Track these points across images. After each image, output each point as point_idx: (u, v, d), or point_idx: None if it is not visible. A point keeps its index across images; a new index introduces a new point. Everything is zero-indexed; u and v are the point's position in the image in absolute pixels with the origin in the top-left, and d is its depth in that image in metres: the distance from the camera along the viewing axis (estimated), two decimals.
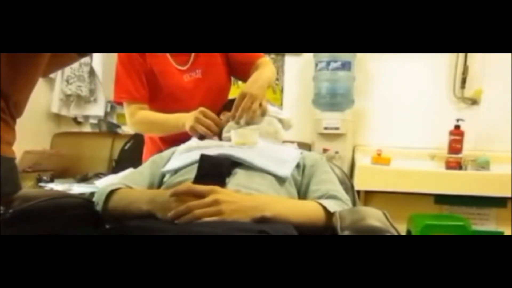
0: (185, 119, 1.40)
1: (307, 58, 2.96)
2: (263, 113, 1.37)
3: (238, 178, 1.04)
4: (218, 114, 1.41)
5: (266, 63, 1.60)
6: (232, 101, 1.42)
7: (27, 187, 2.51)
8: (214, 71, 1.59)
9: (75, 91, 3.17)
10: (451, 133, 2.76)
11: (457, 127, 2.76)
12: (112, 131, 3.32)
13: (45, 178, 2.74)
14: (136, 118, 1.54)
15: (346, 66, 2.78)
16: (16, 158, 1.18)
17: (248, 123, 1.33)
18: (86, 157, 3.12)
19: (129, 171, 1.45)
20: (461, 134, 2.74)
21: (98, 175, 2.82)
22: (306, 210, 1.00)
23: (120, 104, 1.62)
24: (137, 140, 3.01)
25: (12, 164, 1.15)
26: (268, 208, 0.93)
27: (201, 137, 1.35)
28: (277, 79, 3.02)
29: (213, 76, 1.59)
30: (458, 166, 2.69)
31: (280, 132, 1.38)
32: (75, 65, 3.17)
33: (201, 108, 1.38)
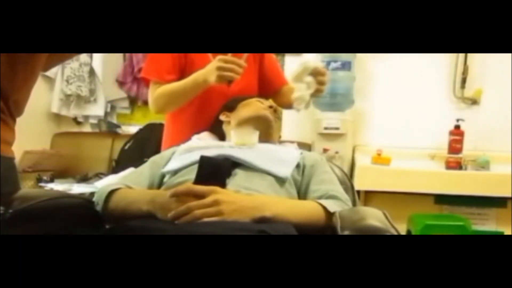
0: (204, 75, 1.37)
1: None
2: None
3: (238, 178, 1.04)
4: (218, 114, 1.41)
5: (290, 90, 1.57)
6: (233, 100, 1.42)
7: (27, 187, 2.51)
8: (246, 79, 1.55)
9: (75, 91, 3.17)
10: (451, 133, 2.76)
11: (457, 127, 2.76)
12: (112, 131, 3.32)
13: (45, 178, 2.74)
14: (156, 93, 1.50)
15: (346, 66, 2.78)
16: (15, 158, 1.17)
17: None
18: (86, 157, 3.11)
19: (129, 171, 1.45)
20: (461, 134, 2.74)
21: (98, 175, 2.82)
22: (306, 210, 1.00)
23: (145, 80, 1.58)
24: (137, 140, 3.01)
25: (11, 164, 1.15)
26: (268, 208, 0.93)
27: (230, 82, 1.34)
28: None
29: (244, 84, 1.55)
30: (458, 166, 2.68)
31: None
32: (75, 65, 3.17)
33: (219, 57, 1.34)
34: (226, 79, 1.32)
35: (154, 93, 1.51)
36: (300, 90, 1.35)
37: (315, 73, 1.37)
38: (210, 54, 1.50)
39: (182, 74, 1.51)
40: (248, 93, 1.52)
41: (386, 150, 2.77)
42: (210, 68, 1.35)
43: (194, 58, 1.52)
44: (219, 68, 1.31)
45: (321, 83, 1.38)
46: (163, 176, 1.17)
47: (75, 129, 3.40)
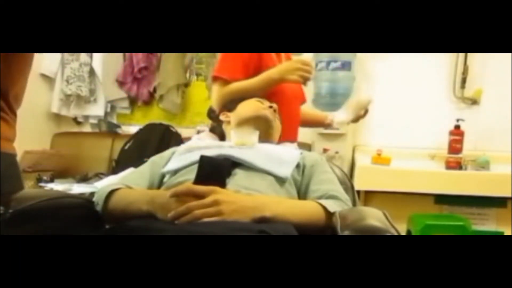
0: (281, 74, 1.49)
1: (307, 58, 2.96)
2: None
3: (238, 178, 1.04)
4: (218, 114, 1.42)
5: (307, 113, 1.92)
6: (233, 100, 1.42)
7: (27, 187, 2.51)
8: (301, 86, 1.72)
9: (75, 91, 3.17)
10: (451, 133, 2.76)
11: (457, 127, 2.76)
12: (112, 131, 3.33)
13: (45, 178, 2.74)
14: (226, 90, 1.53)
15: (346, 66, 2.77)
16: (17, 154, 1.17)
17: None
18: (86, 157, 3.12)
19: (129, 171, 1.45)
20: (461, 134, 2.74)
21: (98, 175, 2.82)
22: (306, 210, 1.00)
23: (217, 79, 1.58)
24: (137, 140, 3.01)
25: (13, 160, 1.14)
26: (268, 208, 0.93)
27: (306, 82, 1.52)
28: None
29: (301, 90, 1.74)
30: (458, 166, 2.69)
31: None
32: (75, 65, 3.17)
33: (297, 59, 1.52)
34: (306, 79, 1.48)
35: (222, 90, 1.53)
36: (345, 115, 1.71)
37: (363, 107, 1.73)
38: (274, 54, 1.63)
39: (253, 73, 1.55)
40: (302, 100, 1.79)
41: (386, 150, 2.77)
42: (289, 68, 1.48)
43: (265, 57, 1.58)
44: (300, 69, 1.46)
45: (365, 113, 1.79)
46: (163, 176, 1.16)
47: (75, 129, 3.41)
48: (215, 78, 1.58)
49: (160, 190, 1.11)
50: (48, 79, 3.25)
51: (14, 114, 1.14)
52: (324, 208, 0.99)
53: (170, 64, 3.13)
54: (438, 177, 2.68)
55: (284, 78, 1.48)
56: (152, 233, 0.79)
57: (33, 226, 0.90)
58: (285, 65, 1.51)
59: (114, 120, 3.36)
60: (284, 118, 1.44)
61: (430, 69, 2.93)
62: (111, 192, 1.05)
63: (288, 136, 1.46)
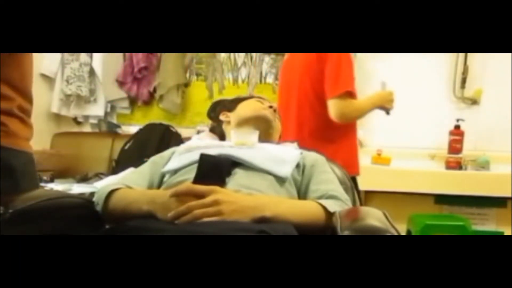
0: (383, 102, 1.87)
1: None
2: None
3: (238, 178, 1.04)
4: (219, 114, 1.41)
5: None
6: (233, 100, 1.42)
7: None
8: None
9: (75, 91, 3.17)
10: (451, 133, 2.76)
11: (457, 127, 2.76)
12: (112, 131, 3.32)
13: (45, 178, 2.73)
14: (357, 107, 1.78)
15: None
16: (33, 153, 1.18)
17: None
18: (86, 157, 3.11)
19: (129, 171, 1.45)
20: (461, 134, 2.75)
21: (98, 175, 2.82)
22: (306, 210, 1.00)
23: (349, 94, 1.71)
24: (137, 140, 3.01)
25: (30, 158, 1.16)
26: (268, 208, 0.93)
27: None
28: (277, 79, 3.02)
29: None
30: (458, 166, 2.69)
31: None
32: (75, 65, 3.17)
33: (388, 91, 1.91)
34: (392, 109, 1.90)
35: (352, 105, 1.74)
36: None
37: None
38: None
39: None
40: None
41: (386, 150, 2.77)
42: (387, 98, 1.88)
43: None
44: (393, 100, 1.87)
45: None
46: (163, 176, 1.16)
47: (75, 129, 3.41)
48: (349, 93, 1.71)
49: (160, 190, 1.11)
50: (48, 79, 3.25)
51: (31, 105, 1.15)
52: (324, 208, 0.99)
53: (170, 64, 3.13)
54: (438, 177, 2.68)
55: (384, 106, 1.84)
56: (152, 233, 0.78)
57: (33, 226, 0.90)
58: (383, 94, 1.87)
59: (114, 120, 3.36)
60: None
61: (430, 69, 2.93)
62: (111, 192, 1.05)
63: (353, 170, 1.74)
